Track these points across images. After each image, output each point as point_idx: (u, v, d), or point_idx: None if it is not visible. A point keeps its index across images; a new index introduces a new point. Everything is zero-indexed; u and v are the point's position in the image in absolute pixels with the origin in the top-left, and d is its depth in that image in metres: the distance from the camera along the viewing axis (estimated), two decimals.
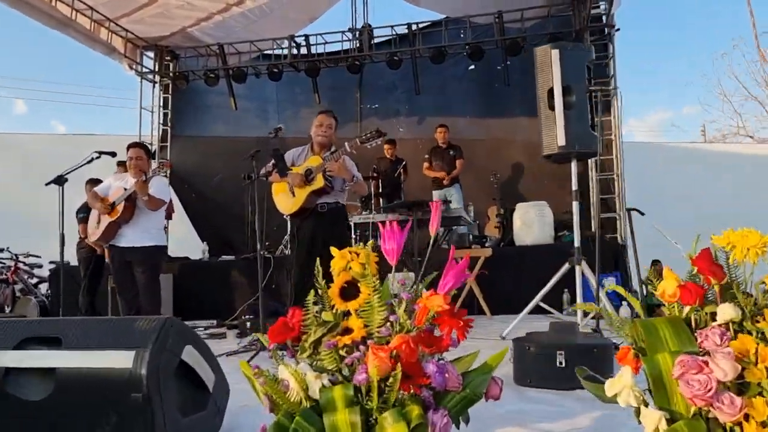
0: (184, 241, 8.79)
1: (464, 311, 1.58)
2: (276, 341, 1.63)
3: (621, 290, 1.60)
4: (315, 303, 1.63)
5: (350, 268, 1.64)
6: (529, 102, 8.99)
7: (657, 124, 36.88)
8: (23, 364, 1.80)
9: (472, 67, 9.10)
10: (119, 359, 1.72)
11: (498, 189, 8.03)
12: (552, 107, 3.93)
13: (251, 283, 6.72)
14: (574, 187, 4.11)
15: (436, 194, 7.67)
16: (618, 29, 7.90)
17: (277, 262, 6.68)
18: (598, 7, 8.02)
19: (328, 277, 4.46)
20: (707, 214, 8.29)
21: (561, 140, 3.88)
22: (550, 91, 3.94)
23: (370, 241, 1.78)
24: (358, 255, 1.65)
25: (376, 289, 1.57)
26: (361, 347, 1.52)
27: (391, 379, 1.38)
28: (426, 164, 7.87)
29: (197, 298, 6.80)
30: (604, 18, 7.98)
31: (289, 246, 6.78)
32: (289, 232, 7.26)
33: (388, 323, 1.55)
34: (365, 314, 1.59)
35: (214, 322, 6.12)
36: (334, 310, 1.64)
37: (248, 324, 5.31)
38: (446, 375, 1.43)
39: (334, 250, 1.69)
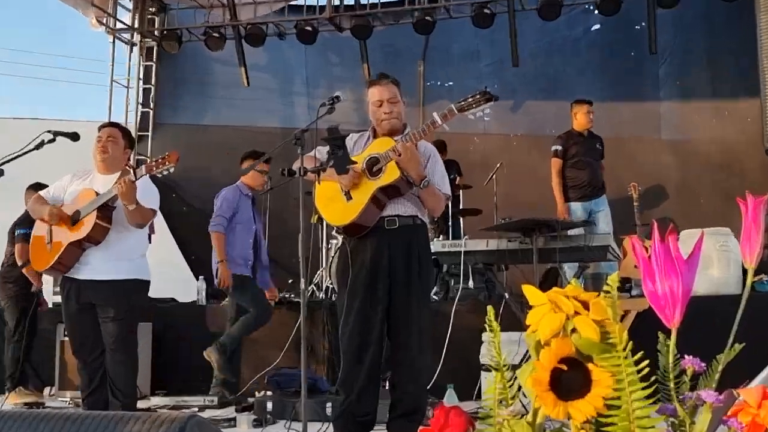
0: (167, 274, 8.40)
1: None
2: None
3: None
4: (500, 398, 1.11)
5: (573, 330, 1.10)
6: (685, 75, 8.62)
7: None
8: None
9: (598, 26, 8.65)
10: None
11: (639, 209, 7.46)
12: None
13: (268, 340, 6.24)
14: None
15: (577, 208, 6.79)
16: None
17: (308, 309, 6.19)
18: None
19: (403, 335, 3.87)
20: None
21: None
22: None
23: (572, 280, 1.25)
24: (585, 305, 1.11)
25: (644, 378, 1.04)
26: None
27: None
28: (556, 162, 6.84)
29: (188, 361, 6.34)
30: None
31: (333, 282, 6.30)
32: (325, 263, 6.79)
33: None
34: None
35: (215, 399, 5.65)
36: (534, 418, 1.12)
37: (268, 405, 4.84)
38: None
39: (528, 289, 1.15)
